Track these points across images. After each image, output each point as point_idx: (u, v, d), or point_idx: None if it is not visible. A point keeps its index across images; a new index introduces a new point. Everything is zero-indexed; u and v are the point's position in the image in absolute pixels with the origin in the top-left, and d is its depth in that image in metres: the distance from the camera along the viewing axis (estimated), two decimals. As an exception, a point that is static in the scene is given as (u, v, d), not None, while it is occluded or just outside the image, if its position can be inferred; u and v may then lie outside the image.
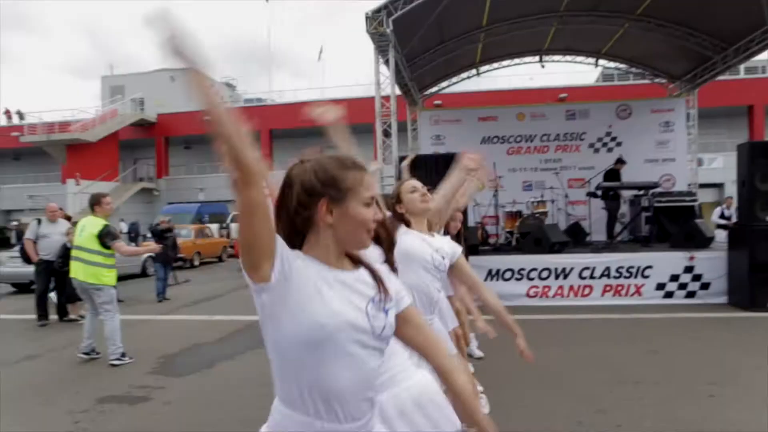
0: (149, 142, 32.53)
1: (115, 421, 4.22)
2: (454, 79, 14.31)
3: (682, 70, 12.56)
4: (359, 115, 30.43)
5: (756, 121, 27.48)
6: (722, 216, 12.05)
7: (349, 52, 73.10)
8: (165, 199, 30.86)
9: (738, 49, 10.35)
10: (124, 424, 4.15)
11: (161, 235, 10.44)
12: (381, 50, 8.90)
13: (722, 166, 24.33)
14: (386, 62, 8.97)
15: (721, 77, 12.58)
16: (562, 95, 27.10)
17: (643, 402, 4.33)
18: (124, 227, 23.21)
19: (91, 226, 5.91)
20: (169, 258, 10.37)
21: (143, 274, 14.09)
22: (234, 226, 22.65)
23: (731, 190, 22.79)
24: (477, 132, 13.31)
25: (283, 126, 31.19)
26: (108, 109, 31.12)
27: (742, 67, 18.18)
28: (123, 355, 5.87)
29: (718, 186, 25.29)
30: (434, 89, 14.34)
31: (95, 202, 6.07)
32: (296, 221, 1.36)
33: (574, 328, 7.14)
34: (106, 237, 5.82)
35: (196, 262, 17.44)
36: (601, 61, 13.63)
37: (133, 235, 21.68)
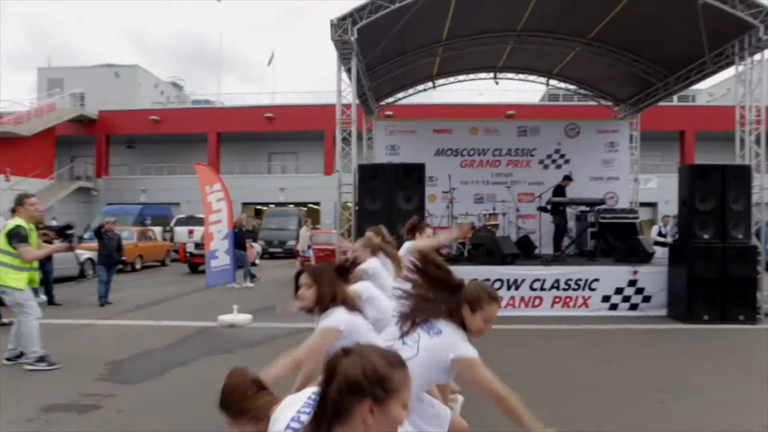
0: (89, 139, 31.10)
1: (65, 430, 3.98)
2: (410, 91, 14.47)
3: (627, 94, 13.21)
4: (310, 122, 30.35)
5: (687, 145, 29.20)
6: (660, 234, 12.75)
7: (300, 59, 72.71)
8: (104, 199, 29.55)
9: (679, 77, 11.00)
10: (74, 433, 3.92)
11: (103, 236, 9.95)
12: (344, 58, 8.90)
13: (656, 187, 25.69)
14: (348, 70, 8.98)
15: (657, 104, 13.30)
16: (510, 112, 27.93)
17: (600, 409, 4.48)
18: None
19: (8, 226, 5.65)
20: (113, 260, 9.92)
21: (81, 275, 13.41)
22: (179, 230, 21.96)
23: (664, 209, 24.10)
24: (431, 144, 13.49)
25: (232, 129, 30.62)
26: (44, 102, 29.54)
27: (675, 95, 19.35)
28: (40, 359, 5.52)
29: (652, 205, 26.67)
30: (390, 99, 14.45)
31: (18, 203, 5.85)
32: (330, 412, 1.32)
33: (526, 338, 7.30)
34: (12, 238, 5.51)
35: (138, 266, 16.76)
36: (552, 81, 14.13)
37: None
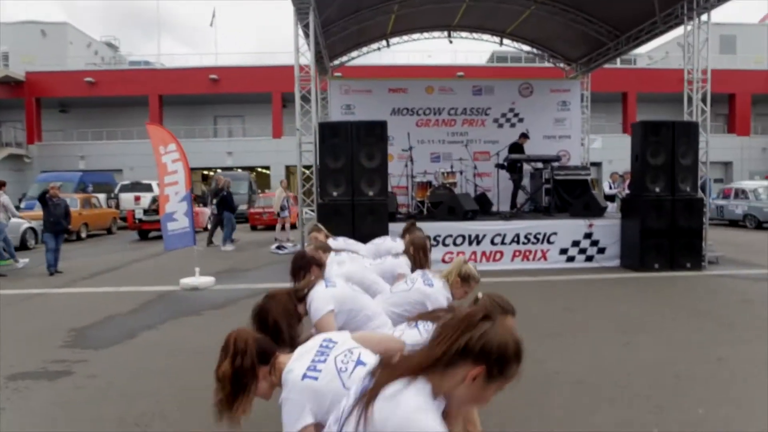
0: (16, 103, 29.07)
1: (36, 397, 3.82)
2: (365, 49, 14.18)
3: (579, 54, 13.43)
4: (257, 84, 29.41)
5: (629, 107, 30.19)
6: (609, 189, 13.35)
7: (243, 20, 69.94)
8: (38, 167, 27.92)
9: (629, 36, 11.25)
10: (47, 400, 3.76)
11: (47, 202, 9.40)
12: (300, 13, 8.59)
13: (601, 147, 26.53)
14: (306, 26, 8.68)
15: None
16: (460, 74, 28.00)
17: (570, 351, 4.68)
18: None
19: None
20: (61, 227, 9.43)
21: (23, 246, 12.72)
22: (124, 197, 21.11)
23: (608, 168, 25.02)
24: (387, 103, 13.36)
25: (175, 92, 29.34)
26: (-36, 62, 27.37)
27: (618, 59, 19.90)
28: None
29: (597, 165, 27.59)
30: (344, 58, 14.15)
31: None
32: (450, 356, 1.35)
33: (490, 291, 7.48)
34: None
35: (83, 235, 16.05)
36: (506, 41, 14.17)
37: None
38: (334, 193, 8.47)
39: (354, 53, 14.08)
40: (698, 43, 8.93)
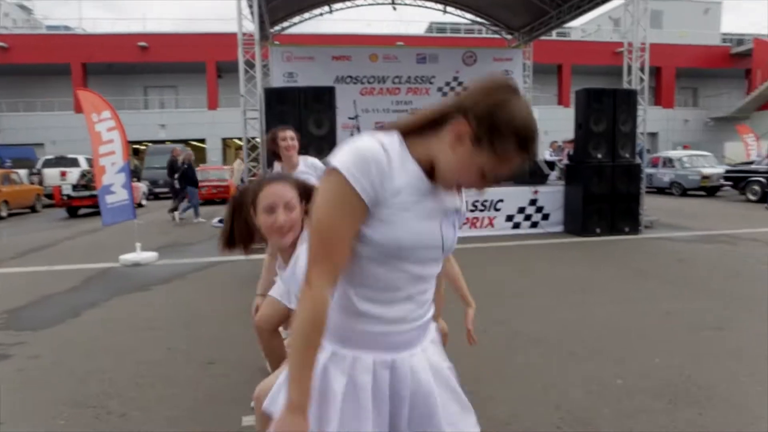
0: None
1: (-27, 381, 3.50)
2: (306, 15, 13.77)
3: (521, 23, 13.56)
4: (190, 53, 28.04)
5: (564, 79, 31.00)
6: (549, 157, 13.74)
7: (170, -17, 66.14)
8: (-53, 140, 25.72)
9: (571, 6, 11.45)
10: (-15, 384, 3.46)
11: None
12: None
13: (537, 118, 27.14)
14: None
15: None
16: (399, 43, 27.77)
17: (529, 311, 4.78)
18: None
19: None
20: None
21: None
22: (48, 172, 19.77)
23: (544, 139, 25.71)
24: (330, 71, 13.06)
25: (100, 59, 27.53)
26: None
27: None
28: None
29: (534, 135, 28.29)
30: (285, 24, 13.66)
31: None
32: (437, 113, 1.18)
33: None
34: None
35: (4, 213, 14.94)
36: (450, 8, 14.09)
37: None
38: (282, 163, 8.21)
39: (296, 19, 13.62)
40: (638, 15, 9.18)
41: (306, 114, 8.21)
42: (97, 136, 7.16)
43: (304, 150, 7.82)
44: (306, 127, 8.19)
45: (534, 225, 9.48)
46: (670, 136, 31.51)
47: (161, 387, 3.30)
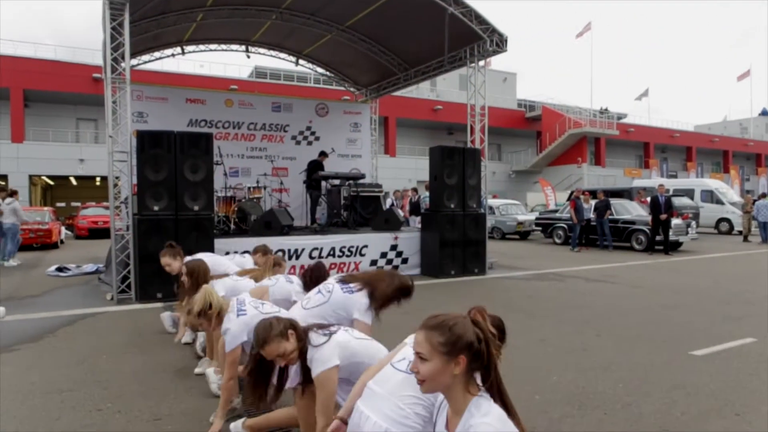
0: None
1: None
2: (157, 54, 13.32)
3: (369, 80, 14.70)
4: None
5: (390, 130, 33.48)
6: (392, 205, 14.91)
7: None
8: None
9: (418, 71, 12.85)
10: None
11: None
12: (114, 10, 7.83)
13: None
14: (120, 25, 7.91)
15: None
16: (233, 87, 27.87)
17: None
18: None
19: None
20: None
21: None
22: None
23: (389, 186, 27.45)
24: (184, 113, 12.75)
25: None
26: None
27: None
28: None
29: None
30: (134, 62, 13.02)
31: None
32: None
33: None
34: None
35: None
36: (301, 61, 14.74)
37: None
38: (155, 207, 7.88)
39: (145, 57, 13.10)
40: (478, 83, 10.74)
41: (181, 159, 8.03)
42: None
43: (177, 196, 7.65)
44: (181, 171, 8.00)
45: (395, 268, 10.26)
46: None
47: (118, 448, 3.15)
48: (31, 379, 4.40)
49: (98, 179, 28.98)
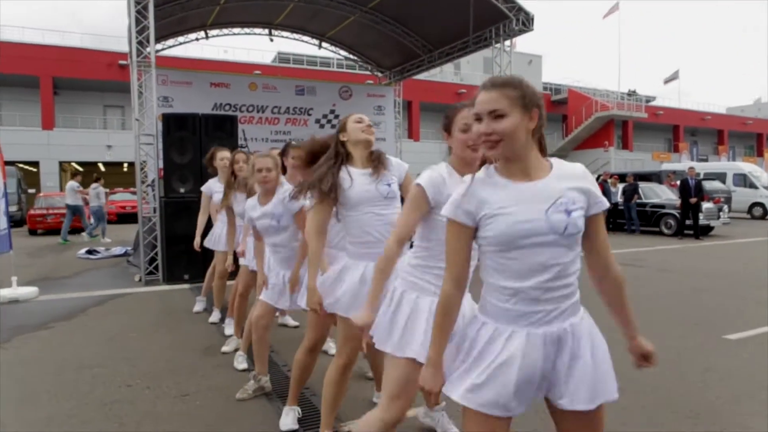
0: None
1: None
2: (181, 39, 13.40)
3: (393, 63, 14.55)
4: (19, 65, 25.02)
5: (414, 114, 33.25)
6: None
7: None
8: None
9: (442, 52, 12.67)
10: None
11: None
12: (137, -8, 7.87)
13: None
14: (144, 8, 7.95)
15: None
16: (257, 72, 27.86)
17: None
18: None
19: None
20: None
21: None
22: None
23: (412, 171, 27.36)
24: (208, 97, 12.81)
25: None
26: None
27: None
28: None
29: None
30: (159, 46, 13.12)
31: None
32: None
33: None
34: None
35: None
36: (324, 44, 14.66)
37: None
38: (181, 190, 7.96)
39: (170, 41, 13.18)
40: (503, 64, 10.54)
41: (207, 141, 8.07)
42: None
43: (204, 178, 7.72)
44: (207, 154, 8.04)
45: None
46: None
47: (149, 424, 3.19)
48: (64, 355, 4.50)
49: (125, 165, 29.43)
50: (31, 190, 22.79)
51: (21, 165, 26.96)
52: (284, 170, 3.72)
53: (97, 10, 61.39)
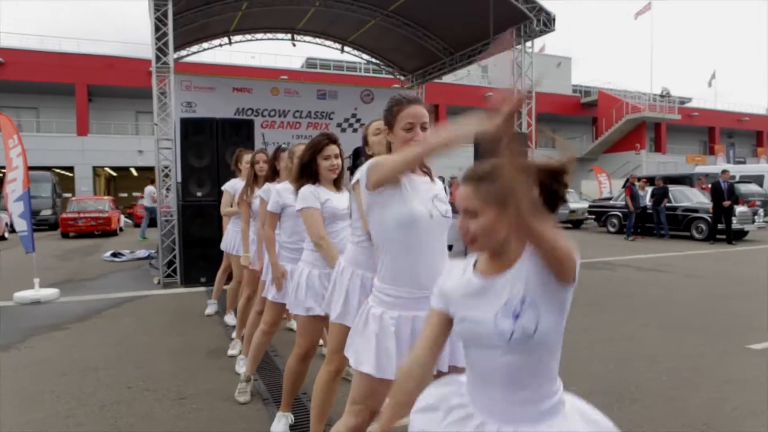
0: None
1: None
2: (205, 45, 13.61)
3: (414, 66, 14.50)
4: (55, 73, 25.83)
5: (440, 118, 33.09)
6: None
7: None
8: None
9: (463, 54, 12.56)
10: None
11: None
12: (158, 1, 8.01)
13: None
14: (164, 15, 8.08)
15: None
16: (283, 77, 28.12)
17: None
18: None
19: None
20: None
21: None
22: None
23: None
24: (231, 102, 12.96)
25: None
26: None
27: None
28: None
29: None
30: (183, 53, 13.36)
31: None
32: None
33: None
34: None
35: None
36: (346, 48, 14.69)
37: None
38: (198, 193, 8.03)
39: (194, 48, 13.39)
40: (525, 66, 10.37)
41: (224, 145, 8.14)
42: (9, 162, 6.67)
43: (220, 182, 7.77)
44: (224, 158, 8.10)
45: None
46: (532, 175, 34.78)
47: (142, 427, 3.18)
48: (73, 356, 4.55)
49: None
50: (67, 195, 23.41)
51: (57, 170, 27.87)
52: (277, 173, 3.70)
53: (139, 20, 63.26)
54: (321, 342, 4.51)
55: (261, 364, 3.85)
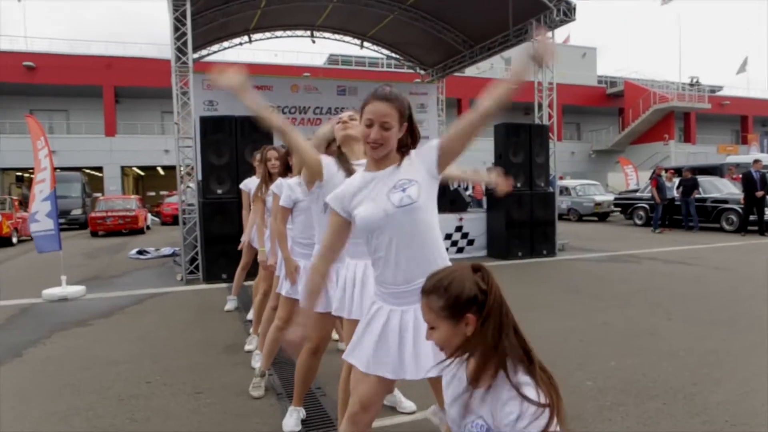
0: None
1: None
2: (225, 44, 13.74)
3: (435, 60, 14.42)
4: (83, 75, 26.38)
5: (463, 112, 32.81)
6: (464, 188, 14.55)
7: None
8: None
9: (483, 47, 12.43)
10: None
11: None
12: (177, 1, 8.10)
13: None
14: (182, 14, 8.18)
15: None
16: (306, 74, 28.21)
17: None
18: None
19: None
20: None
21: None
22: None
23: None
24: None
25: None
26: None
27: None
28: None
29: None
30: (204, 52, 13.52)
31: None
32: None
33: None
34: None
35: None
36: (366, 43, 14.66)
37: None
38: (219, 191, 8.13)
39: (215, 47, 13.52)
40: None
41: (243, 143, 8.21)
42: (38, 164, 6.87)
43: (240, 179, 7.82)
44: (243, 156, 8.18)
45: (460, 250, 10.03)
46: (558, 167, 34.28)
47: (158, 421, 3.23)
48: (95, 352, 4.65)
49: (182, 169, 30.50)
50: (96, 194, 23.95)
51: (86, 170, 28.54)
52: (289, 169, 3.70)
53: (160, 20, 64.29)
54: (336, 336, 4.53)
55: (276, 359, 3.88)
